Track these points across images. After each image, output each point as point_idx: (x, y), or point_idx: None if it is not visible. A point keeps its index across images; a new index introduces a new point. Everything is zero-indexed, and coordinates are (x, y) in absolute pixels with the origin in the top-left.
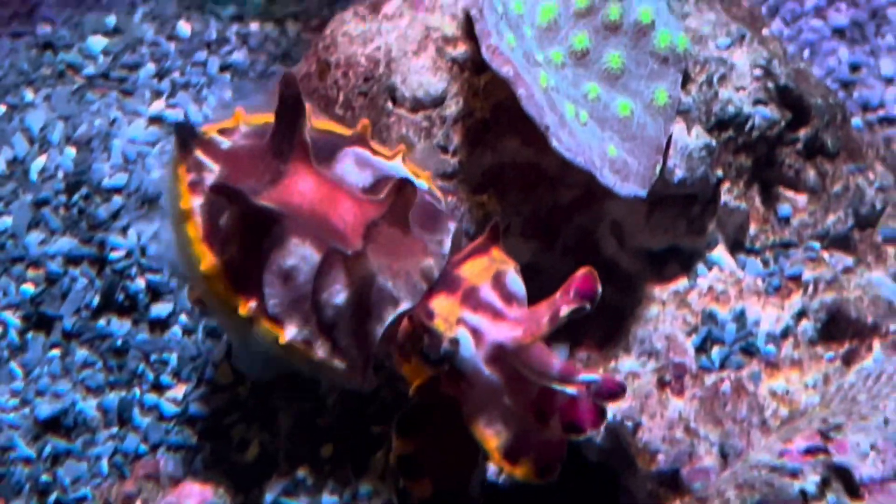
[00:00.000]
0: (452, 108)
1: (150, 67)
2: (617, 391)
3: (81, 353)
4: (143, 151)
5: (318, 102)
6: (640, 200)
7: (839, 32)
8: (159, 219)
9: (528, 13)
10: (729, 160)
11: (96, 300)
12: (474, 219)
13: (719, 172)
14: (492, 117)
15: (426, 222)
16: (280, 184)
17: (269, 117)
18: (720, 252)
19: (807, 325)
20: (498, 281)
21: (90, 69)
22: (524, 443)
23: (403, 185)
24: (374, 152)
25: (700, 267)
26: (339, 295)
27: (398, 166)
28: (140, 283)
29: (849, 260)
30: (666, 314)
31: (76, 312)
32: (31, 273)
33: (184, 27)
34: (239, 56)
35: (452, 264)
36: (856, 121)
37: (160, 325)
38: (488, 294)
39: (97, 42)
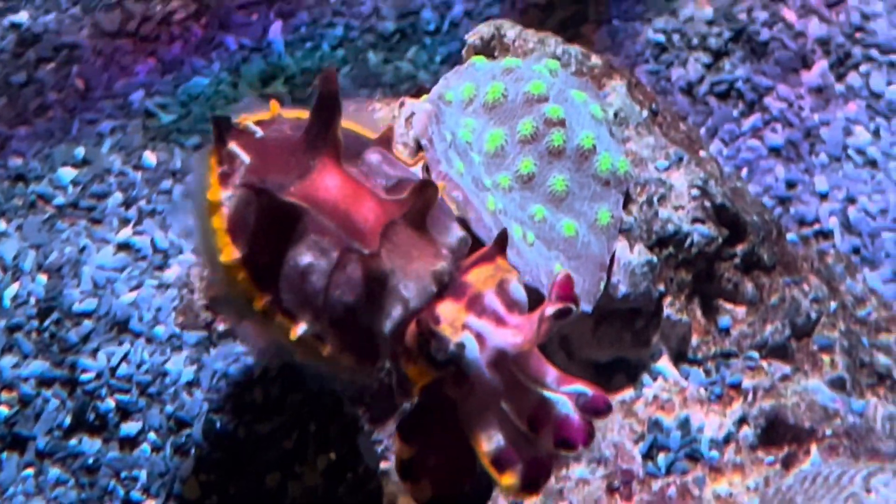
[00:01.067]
0: None
1: (118, 196)
2: (602, 409)
3: (54, 471)
4: (111, 277)
5: None
6: (586, 315)
7: (775, 151)
8: None
9: (475, 141)
10: (670, 275)
11: (68, 420)
12: None
13: (661, 287)
14: None
15: (441, 228)
16: (307, 179)
17: (304, 113)
18: (664, 363)
19: (748, 431)
20: (502, 288)
21: (60, 199)
22: (514, 453)
23: (425, 186)
24: (396, 157)
25: (645, 377)
26: (351, 293)
27: (418, 172)
28: (110, 402)
29: (786, 368)
30: (614, 423)
31: (49, 432)
32: (4, 395)
33: (149, 157)
34: None
35: (460, 270)
36: (791, 236)
37: (130, 443)
38: (492, 301)
39: (67, 173)
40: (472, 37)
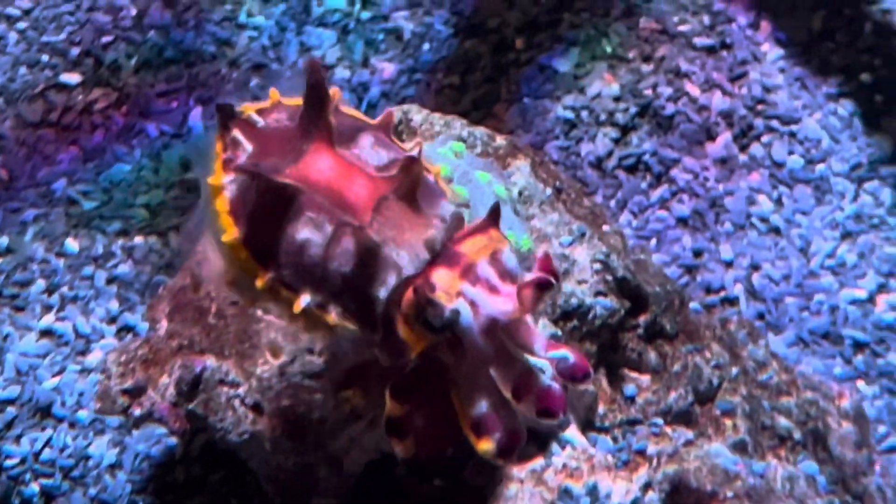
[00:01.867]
0: None
1: (41, 283)
2: (580, 377)
3: None
4: (34, 364)
5: (192, 314)
6: None
7: (683, 221)
8: None
9: None
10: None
11: None
12: (341, 414)
13: None
14: None
15: (432, 201)
16: (301, 161)
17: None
18: (572, 432)
19: (652, 496)
20: (495, 258)
21: None
22: (495, 421)
23: (411, 162)
24: (392, 141)
25: (555, 446)
26: (347, 264)
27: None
28: (34, 487)
29: (690, 433)
30: (524, 491)
31: None
32: None
33: (72, 244)
34: (124, 268)
35: (454, 241)
36: (694, 304)
37: None
38: (485, 269)
39: None
40: None
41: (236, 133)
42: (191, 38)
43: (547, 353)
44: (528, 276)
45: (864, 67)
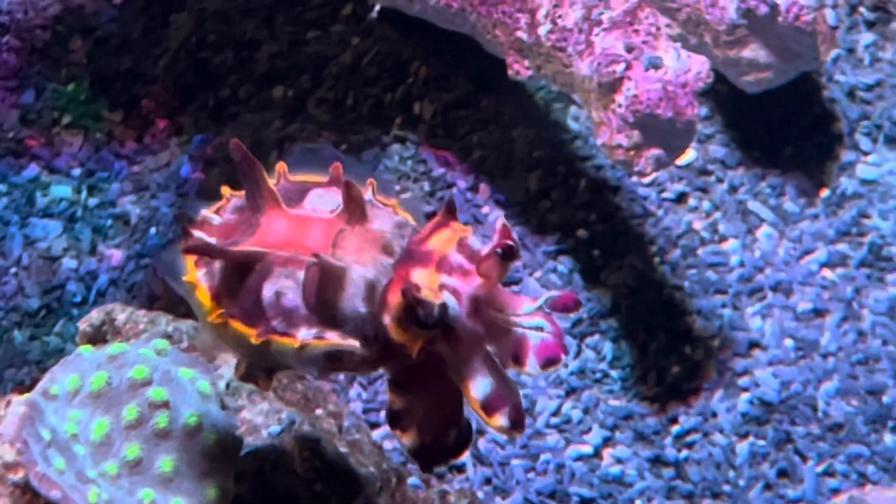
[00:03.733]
0: None
1: None
2: (571, 305)
3: None
4: None
5: None
6: None
7: None
8: None
9: (81, 432)
10: None
11: None
12: None
13: None
14: None
15: (385, 218)
16: (258, 230)
17: None
18: None
19: None
20: (462, 245)
21: None
22: (500, 397)
23: (350, 186)
24: None
25: None
26: (323, 294)
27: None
28: None
29: None
30: None
31: None
32: None
33: None
34: None
35: (419, 242)
36: (413, 479)
37: None
38: (456, 258)
39: None
40: (83, 324)
41: (198, 233)
42: None
43: (534, 304)
44: (485, 250)
45: (581, 224)
